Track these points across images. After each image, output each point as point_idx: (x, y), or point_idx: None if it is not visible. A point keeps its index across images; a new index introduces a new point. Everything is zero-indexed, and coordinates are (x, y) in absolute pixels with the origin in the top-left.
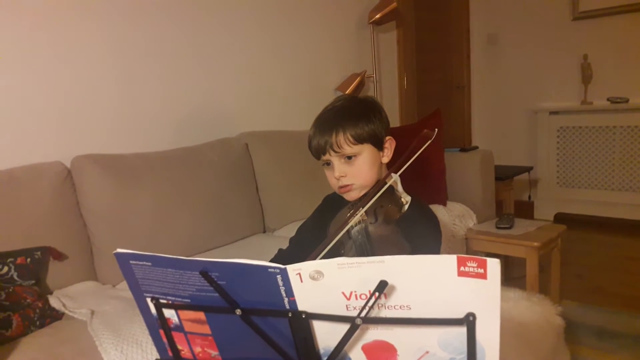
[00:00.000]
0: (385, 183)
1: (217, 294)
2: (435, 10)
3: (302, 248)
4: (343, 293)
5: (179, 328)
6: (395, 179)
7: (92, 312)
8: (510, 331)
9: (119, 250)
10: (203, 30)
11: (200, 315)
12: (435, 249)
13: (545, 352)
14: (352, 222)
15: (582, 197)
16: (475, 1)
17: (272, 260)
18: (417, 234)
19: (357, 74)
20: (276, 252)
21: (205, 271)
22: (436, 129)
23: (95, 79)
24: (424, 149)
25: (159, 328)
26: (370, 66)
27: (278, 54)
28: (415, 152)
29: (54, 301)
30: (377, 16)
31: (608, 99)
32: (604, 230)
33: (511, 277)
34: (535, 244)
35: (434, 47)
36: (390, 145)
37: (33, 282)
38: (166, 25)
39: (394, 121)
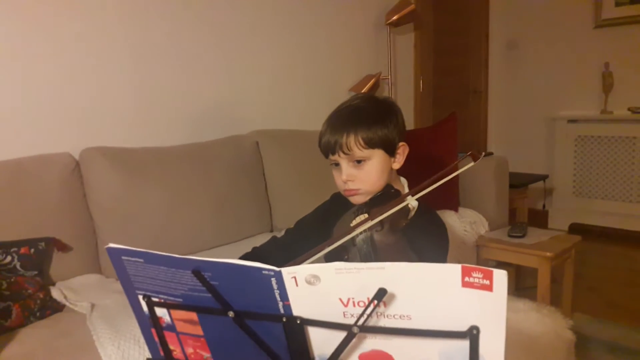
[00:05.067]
0: (402, 200)
1: (209, 295)
2: (454, 14)
3: (298, 241)
4: (340, 299)
5: (171, 328)
6: (410, 202)
7: (93, 306)
8: (518, 344)
9: (111, 245)
10: (220, 27)
11: (193, 315)
12: (441, 258)
13: None
14: (357, 231)
15: (599, 208)
16: (495, 6)
17: (263, 246)
18: (424, 241)
19: (372, 76)
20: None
21: (197, 270)
22: (477, 156)
23: (109, 72)
24: (442, 175)
25: (150, 327)
26: (386, 68)
27: (292, 53)
28: (441, 179)
29: (55, 293)
30: (395, 18)
31: (629, 109)
32: (620, 243)
33: (522, 287)
34: (548, 254)
35: (452, 50)
36: (403, 151)
37: (35, 272)
38: (183, 20)
39: (409, 124)
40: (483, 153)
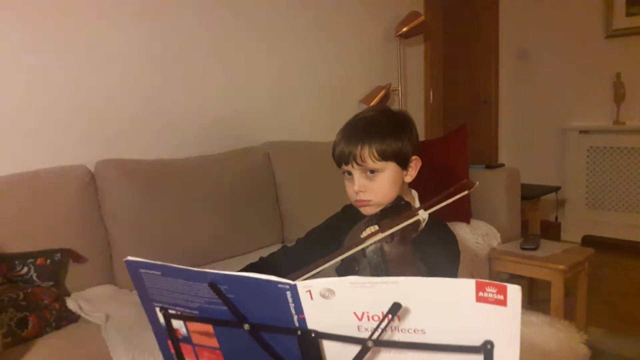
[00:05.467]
0: (413, 214)
1: (225, 307)
2: (464, 24)
3: (309, 251)
4: (355, 313)
5: (187, 340)
6: (422, 215)
7: (107, 317)
8: (531, 359)
9: (129, 258)
10: (230, 39)
11: (209, 327)
12: (452, 270)
13: None
14: (367, 243)
15: (612, 219)
16: (505, 16)
17: (271, 256)
18: (434, 254)
19: (382, 87)
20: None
21: (214, 283)
22: (477, 182)
23: (121, 85)
24: (454, 192)
25: (167, 339)
26: (396, 79)
27: (304, 65)
28: (451, 195)
29: (71, 303)
30: (405, 29)
31: None
32: (635, 255)
33: (535, 300)
34: (561, 266)
35: (462, 61)
36: (415, 165)
37: (52, 283)
38: (193, 32)
39: (419, 135)
40: (477, 182)
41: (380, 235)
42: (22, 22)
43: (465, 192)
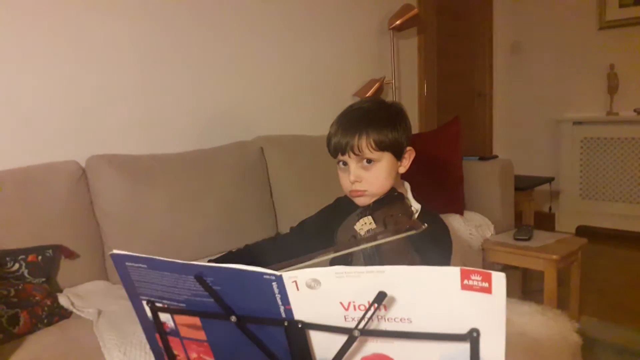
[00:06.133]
0: (412, 228)
1: (212, 300)
2: (458, 17)
3: (301, 241)
4: (341, 303)
5: (175, 333)
6: (413, 205)
7: (99, 312)
8: (523, 347)
9: (115, 251)
10: (224, 34)
11: (196, 320)
12: (445, 260)
13: None
14: (364, 245)
15: (606, 210)
16: (499, 9)
17: (259, 244)
18: (427, 244)
19: (376, 80)
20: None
21: (200, 276)
22: (424, 225)
23: (114, 80)
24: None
25: (154, 332)
26: (390, 72)
27: (297, 59)
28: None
29: (63, 299)
30: (398, 22)
31: (635, 110)
32: (628, 245)
33: (529, 290)
34: (554, 256)
35: (456, 54)
36: (409, 156)
37: (43, 279)
38: (188, 27)
39: (413, 128)
40: (425, 225)
41: (378, 242)
42: (12, 18)
43: (412, 232)
